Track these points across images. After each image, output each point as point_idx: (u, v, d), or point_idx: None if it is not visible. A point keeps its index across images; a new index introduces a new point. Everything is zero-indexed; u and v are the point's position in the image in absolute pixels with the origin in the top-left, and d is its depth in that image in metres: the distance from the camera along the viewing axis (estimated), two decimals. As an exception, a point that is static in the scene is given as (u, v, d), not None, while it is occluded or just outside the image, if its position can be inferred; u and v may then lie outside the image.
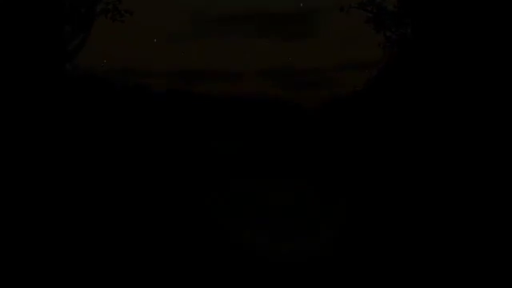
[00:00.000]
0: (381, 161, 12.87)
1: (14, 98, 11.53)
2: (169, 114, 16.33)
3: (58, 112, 12.34)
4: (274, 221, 7.90)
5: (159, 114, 15.86)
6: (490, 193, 8.44)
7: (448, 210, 8.09)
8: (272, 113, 21.59)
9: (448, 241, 6.54)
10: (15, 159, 10.39)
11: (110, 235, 6.99)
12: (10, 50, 12.07)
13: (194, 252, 6.22)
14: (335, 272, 5.48)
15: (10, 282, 5.05)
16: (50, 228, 7.08)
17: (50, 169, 10.46)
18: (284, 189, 10.43)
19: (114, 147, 13.13)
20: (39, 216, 7.69)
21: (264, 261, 5.83)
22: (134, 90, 15.69)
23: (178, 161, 14.11)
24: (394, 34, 16.40)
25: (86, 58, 14.87)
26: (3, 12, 12.16)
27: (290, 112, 22.36)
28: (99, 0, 14.80)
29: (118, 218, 8.06)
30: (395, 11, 16.20)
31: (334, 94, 20.87)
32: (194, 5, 34.75)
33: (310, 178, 11.97)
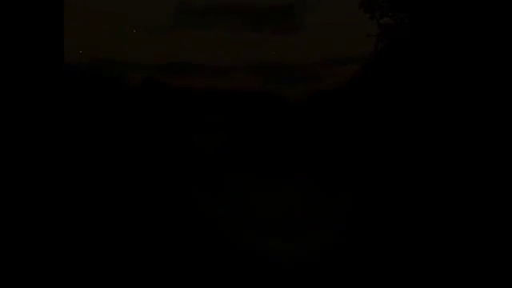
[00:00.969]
0: (368, 156, 12.70)
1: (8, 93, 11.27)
2: (144, 107, 15.65)
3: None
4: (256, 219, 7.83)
5: (134, 108, 15.15)
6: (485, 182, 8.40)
7: (441, 205, 8.02)
8: (257, 107, 21.35)
9: (448, 237, 6.52)
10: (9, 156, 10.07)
11: (106, 234, 7.00)
12: (9, 50, 11.80)
13: (193, 251, 6.25)
14: (335, 272, 5.52)
15: (10, 282, 5.10)
16: (43, 225, 7.10)
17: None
18: (269, 186, 10.44)
19: (92, 143, 12.72)
20: (34, 214, 7.64)
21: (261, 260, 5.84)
22: (107, 82, 14.90)
23: (161, 156, 13.78)
24: (392, 19, 14.75)
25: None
26: (3, 12, 11.93)
27: (276, 106, 22.22)
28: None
29: (115, 216, 7.98)
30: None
31: (321, 88, 20.59)
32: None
33: (292, 175, 11.99)
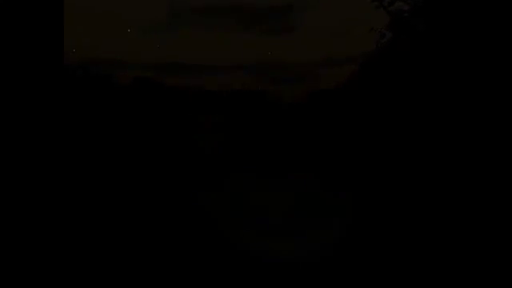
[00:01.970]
0: (368, 155, 12.61)
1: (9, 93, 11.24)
2: (135, 106, 15.36)
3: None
4: (255, 219, 7.73)
5: (126, 107, 14.86)
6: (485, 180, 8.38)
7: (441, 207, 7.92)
8: (254, 106, 21.20)
9: (448, 237, 6.50)
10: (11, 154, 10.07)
11: (106, 234, 6.88)
12: (9, 49, 11.75)
13: (192, 252, 6.21)
14: (335, 272, 5.51)
15: (10, 282, 5.16)
16: (42, 225, 7.12)
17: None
18: (268, 186, 10.38)
19: (88, 143, 12.62)
20: (33, 214, 7.70)
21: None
22: (98, 81, 14.58)
23: (159, 156, 13.64)
24: (405, 2, 12.92)
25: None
26: (3, 12, 11.90)
27: (273, 106, 22.11)
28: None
29: (114, 216, 7.82)
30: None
31: (320, 87, 20.40)
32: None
33: (288, 175, 11.87)
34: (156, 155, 13.80)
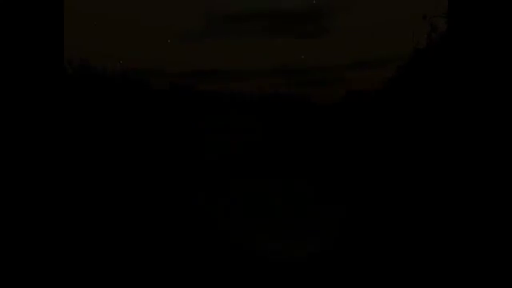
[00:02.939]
0: (392, 163, 12.45)
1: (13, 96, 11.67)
2: (171, 111, 15.73)
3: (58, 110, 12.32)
4: (275, 221, 8.03)
5: (161, 112, 15.25)
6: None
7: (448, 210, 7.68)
8: (283, 110, 21.42)
9: (447, 240, 6.57)
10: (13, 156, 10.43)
11: (109, 235, 7.12)
12: (9, 49, 12.17)
13: (195, 252, 6.40)
14: (335, 272, 5.64)
15: (10, 282, 5.24)
16: (45, 227, 7.27)
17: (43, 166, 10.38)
18: (285, 189, 10.54)
19: (112, 146, 12.92)
20: (33, 214, 7.83)
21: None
22: (133, 87, 15.02)
23: (179, 159, 13.87)
24: None
25: (97, 58, 14.42)
26: (3, 11, 12.32)
27: (302, 109, 22.28)
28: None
29: (118, 217, 8.03)
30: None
31: (348, 92, 20.33)
32: (206, 5, 34.38)
33: (313, 178, 12.02)
34: (182, 157, 14.05)
